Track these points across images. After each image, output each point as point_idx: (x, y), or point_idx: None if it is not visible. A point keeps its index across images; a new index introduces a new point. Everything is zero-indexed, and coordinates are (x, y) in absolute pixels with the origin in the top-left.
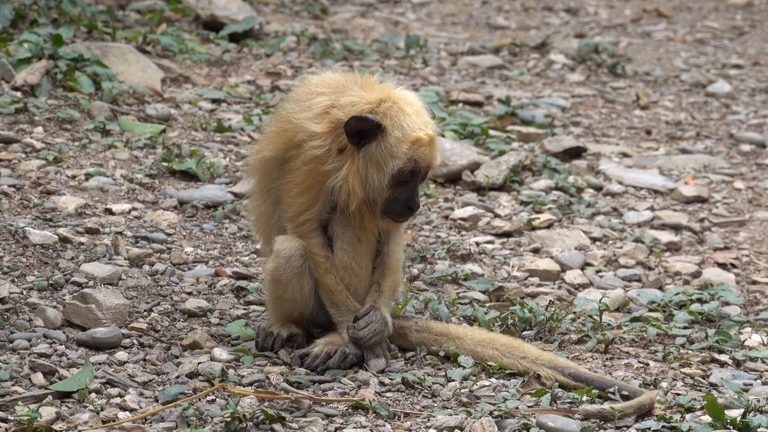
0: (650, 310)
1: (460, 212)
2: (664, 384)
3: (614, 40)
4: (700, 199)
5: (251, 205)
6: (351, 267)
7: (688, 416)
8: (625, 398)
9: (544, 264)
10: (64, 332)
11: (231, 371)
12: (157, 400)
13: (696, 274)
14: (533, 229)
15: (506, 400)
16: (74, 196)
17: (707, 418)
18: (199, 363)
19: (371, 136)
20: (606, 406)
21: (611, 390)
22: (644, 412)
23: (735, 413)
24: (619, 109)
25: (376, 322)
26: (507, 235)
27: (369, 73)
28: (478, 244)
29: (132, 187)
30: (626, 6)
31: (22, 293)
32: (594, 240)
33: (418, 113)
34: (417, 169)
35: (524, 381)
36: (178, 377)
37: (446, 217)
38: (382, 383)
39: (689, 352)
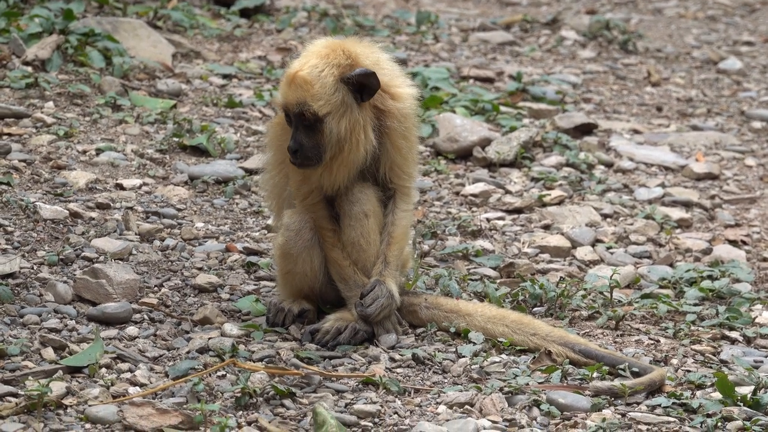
0: (661, 287)
1: (470, 188)
2: (674, 361)
3: (625, 16)
4: (711, 176)
5: (264, 178)
6: (359, 243)
7: (698, 393)
8: (636, 375)
9: (554, 240)
10: (74, 307)
11: (241, 347)
12: (167, 376)
13: (707, 251)
14: (544, 205)
15: (516, 376)
16: (85, 171)
17: (717, 395)
18: (209, 338)
19: None
20: (616, 382)
21: (622, 367)
22: (654, 389)
23: (745, 390)
24: (630, 86)
25: (382, 297)
26: (518, 211)
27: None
28: (488, 220)
29: (143, 162)
30: None
31: (32, 268)
32: (605, 216)
33: (317, 55)
34: (285, 108)
35: (535, 357)
36: (188, 352)
37: (457, 193)
38: (392, 359)
39: (700, 328)
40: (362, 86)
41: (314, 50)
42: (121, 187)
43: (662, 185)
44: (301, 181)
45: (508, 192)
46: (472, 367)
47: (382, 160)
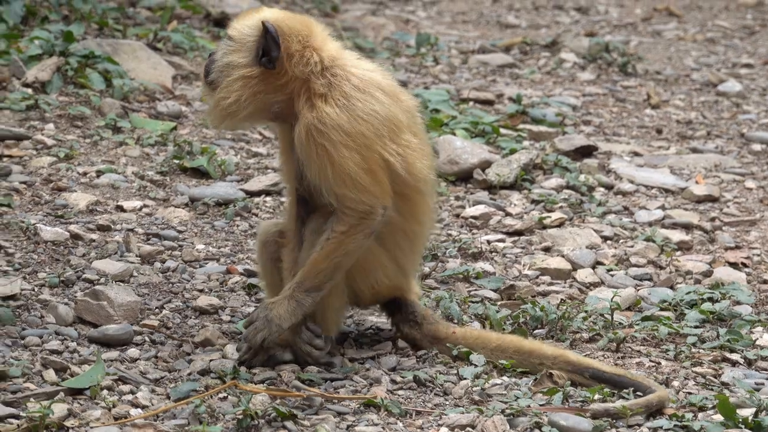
0: (661, 309)
1: (471, 210)
2: (675, 383)
3: (625, 39)
4: (711, 199)
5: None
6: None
7: (700, 415)
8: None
9: (555, 263)
10: (75, 329)
11: (243, 368)
12: (169, 397)
13: (707, 273)
14: (544, 227)
15: (518, 398)
16: (85, 193)
17: (719, 417)
18: (210, 360)
19: None
20: (617, 404)
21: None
22: (652, 410)
23: (747, 412)
24: (629, 108)
25: (257, 321)
26: (518, 233)
27: None
28: (489, 242)
29: (143, 184)
30: (637, 5)
31: (33, 290)
32: (605, 239)
33: (276, 11)
34: None
35: (536, 379)
36: (189, 374)
37: (457, 216)
38: (393, 381)
39: (700, 351)
40: (267, 48)
41: (285, 11)
42: (121, 209)
43: (662, 207)
44: (283, 169)
45: (508, 214)
46: (474, 389)
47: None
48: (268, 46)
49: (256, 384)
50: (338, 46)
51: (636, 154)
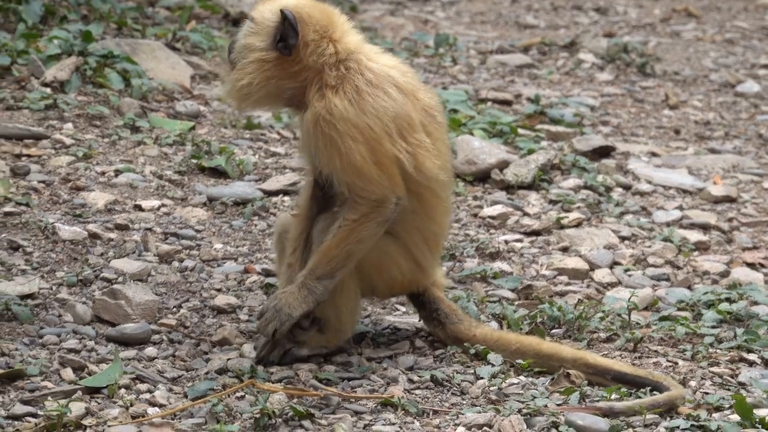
0: (679, 309)
1: (489, 210)
2: (692, 383)
3: (643, 39)
4: (729, 199)
5: None
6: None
7: (716, 415)
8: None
9: (572, 263)
10: (93, 328)
11: (260, 367)
12: (186, 396)
13: (724, 274)
14: (562, 227)
15: (535, 398)
16: (104, 192)
17: (736, 417)
18: (228, 359)
19: None
20: (630, 402)
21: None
22: (660, 409)
23: (763, 412)
24: (648, 109)
25: (267, 312)
26: (536, 233)
27: None
28: (507, 242)
29: (161, 183)
30: (655, 5)
31: (51, 289)
32: (623, 239)
33: None
34: None
35: (553, 379)
36: (207, 373)
37: (475, 215)
38: (410, 380)
39: (718, 351)
40: (284, 34)
41: None
42: (139, 208)
43: (680, 208)
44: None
45: (526, 214)
46: (491, 388)
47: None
48: (286, 33)
49: (273, 383)
50: (359, 39)
51: (654, 154)
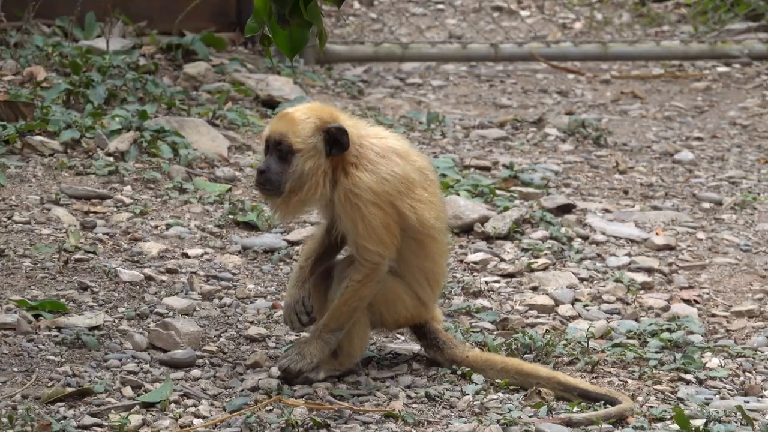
0: (628, 338)
1: (472, 257)
2: (640, 398)
3: (598, 116)
4: (669, 247)
5: None
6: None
7: (659, 425)
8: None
9: (541, 299)
10: (148, 354)
11: (285, 386)
12: (225, 410)
13: (665, 309)
14: (532, 271)
15: (511, 410)
16: (157, 243)
17: (676, 427)
18: (259, 379)
19: None
20: (586, 414)
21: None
22: (612, 420)
23: (699, 422)
24: (602, 173)
25: (291, 355)
26: (511, 275)
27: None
28: (487, 283)
29: (204, 235)
30: (607, 89)
31: (114, 322)
32: (582, 280)
33: (309, 108)
34: (267, 138)
35: (526, 395)
36: (242, 391)
37: (461, 261)
38: (409, 396)
39: (660, 372)
40: (335, 140)
41: (308, 105)
42: (186, 255)
43: (629, 254)
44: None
45: (502, 260)
46: (474, 403)
47: (336, 223)
48: (338, 139)
49: (296, 398)
50: (356, 122)
51: (607, 210)
